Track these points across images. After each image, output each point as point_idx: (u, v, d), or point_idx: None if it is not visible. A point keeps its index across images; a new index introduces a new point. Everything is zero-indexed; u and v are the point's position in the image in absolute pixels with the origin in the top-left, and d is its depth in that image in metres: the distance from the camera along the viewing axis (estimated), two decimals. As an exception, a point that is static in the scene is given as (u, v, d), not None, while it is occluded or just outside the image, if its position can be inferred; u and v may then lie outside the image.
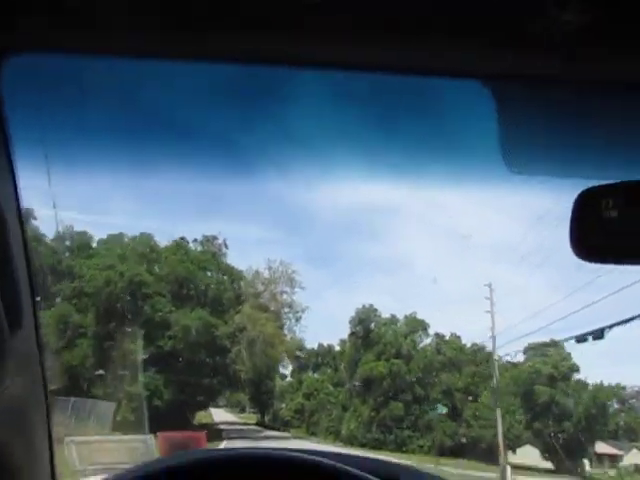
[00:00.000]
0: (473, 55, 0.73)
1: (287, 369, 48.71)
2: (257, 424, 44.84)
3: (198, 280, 28.07)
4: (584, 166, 1.00)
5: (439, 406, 30.56)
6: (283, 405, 47.37)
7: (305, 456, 0.93)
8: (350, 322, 36.51)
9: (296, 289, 34.28)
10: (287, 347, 36.14)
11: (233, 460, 0.91)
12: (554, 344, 29.46)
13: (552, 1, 0.58)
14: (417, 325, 35.18)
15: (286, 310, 34.73)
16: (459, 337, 35.78)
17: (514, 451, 30.05)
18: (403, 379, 32.42)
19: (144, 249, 27.30)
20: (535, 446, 31.05)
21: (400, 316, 35.80)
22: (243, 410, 61.65)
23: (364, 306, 35.87)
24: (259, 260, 41.14)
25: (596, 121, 0.91)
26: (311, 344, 50.03)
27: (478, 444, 30.00)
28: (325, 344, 49.63)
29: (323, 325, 59.86)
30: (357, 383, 33.67)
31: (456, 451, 30.51)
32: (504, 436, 27.47)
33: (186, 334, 26.20)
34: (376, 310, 35.82)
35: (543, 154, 0.99)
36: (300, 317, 35.10)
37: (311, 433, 42.53)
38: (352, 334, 36.61)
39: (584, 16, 0.59)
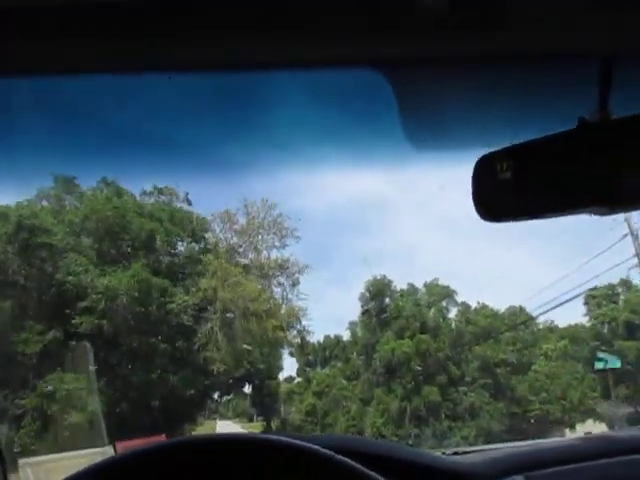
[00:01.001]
0: (362, 42, 0.73)
1: (291, 369, 42.44)
2: (263, 433, 38.10)
3: (138, 231, 18.02)
4: (481, 135, 1.08)
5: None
6: (293, 408, 40.66)
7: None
8: (360, 299, 30.04)
9: (288, 241, 23.41)
10: (282, 319, 25.01)
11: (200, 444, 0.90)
12: (625, 283, 23.01)
13: None
14: (442, 292, 28.75)
15: (277, 273, 23.68)
16: (486, 305, 29.38)
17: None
18: (434, 357, 25.93)
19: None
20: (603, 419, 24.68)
21: (419, 285, 29.37)
22: (251, 419, 55.64)
23: (375, 278, 29.41)
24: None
25: (484, 95, 1.00)
26: (314, 338, 44.07)
27: (542, 424, 23.57)
28: (332, 335, 43.75)
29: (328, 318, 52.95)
30: (378, 370, 27.06)
31: (509, 436, 24.01)
32: (574, 410, 21.12)
33: (113, 304, 16.88)
34: (390, 282, 29.38)
35: (443, 130, 1.06)
36: (297, 280, 24.51)
37: (328, 436, 35.86)
38: (364, 312, 30.08)
39: (440, 2, 0.63)
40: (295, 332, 26.16)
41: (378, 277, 29.18)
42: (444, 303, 28.41)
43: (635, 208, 0.91)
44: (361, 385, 31.26)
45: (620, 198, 0.82)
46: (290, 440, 0.92)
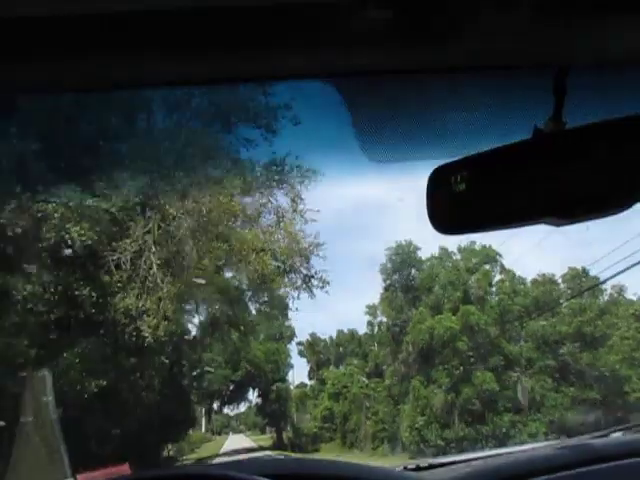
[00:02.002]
0: (314, 55, 0.73)
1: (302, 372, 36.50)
2: (272, 448, 32.01)
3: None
4: (434, 147, 1.06)
5: None
6: (307, 415, 34.36)
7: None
8: (381, 271, 23.91)
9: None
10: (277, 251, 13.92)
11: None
12: None
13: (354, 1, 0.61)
14: (482, 255, 22.62)
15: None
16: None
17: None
18: (485, 334, 19.73)
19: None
20: None
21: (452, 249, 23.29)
22: (263, 431, 49.64)
23: (398, 244, 23.32)
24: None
25: (438, 106, 1.00)
26: (325, 334, 38.06)
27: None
28: (345, 330, 37.90)
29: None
30: (411, 357, 20.85)
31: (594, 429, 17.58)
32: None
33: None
34: (417, 248, 23.28)
35: (396, 141, 1.05)
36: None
37: (350, 445, 29.70)
38: (388, 288, 23.91)
39: (385, 12, 0.62)
40: (300, 278, 15.15)
41: (403, 242, 23.10)
42: (489, 267, 22.24)
43: (590, 218, 0.84)
44: (389, 379, 25.08)
45: (575, 207, 0.79)
46: (224, 473, 1.03)
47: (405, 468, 1.38)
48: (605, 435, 1.56)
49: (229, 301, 18.29)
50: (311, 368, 38.05)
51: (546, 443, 1.67)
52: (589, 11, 0.66)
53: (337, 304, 45.23)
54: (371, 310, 27.56)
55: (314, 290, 15.42)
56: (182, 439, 28.36)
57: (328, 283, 15.25)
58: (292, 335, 32.34)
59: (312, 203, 13.23)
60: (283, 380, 29.30)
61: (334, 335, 39.92)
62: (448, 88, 0.93)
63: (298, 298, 15.90)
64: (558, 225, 0.86)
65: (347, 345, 38.58)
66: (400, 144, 1.08)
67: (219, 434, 53.58)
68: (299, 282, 15.55)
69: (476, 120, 1.03)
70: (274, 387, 28.18)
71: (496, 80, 0.89)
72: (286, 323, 32.40)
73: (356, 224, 36.97)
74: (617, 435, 1.54)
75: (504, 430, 19.17)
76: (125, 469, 12.39)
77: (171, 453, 27.67)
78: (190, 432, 35.95)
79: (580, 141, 0.79)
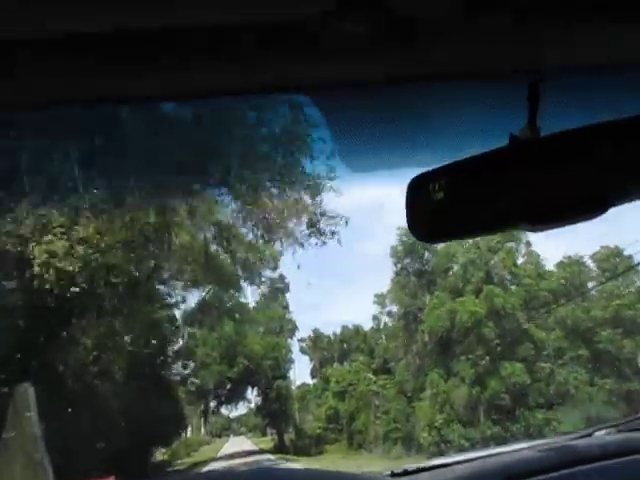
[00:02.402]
0: (288, 68, 0.74)
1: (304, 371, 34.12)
2: (273, 450, 29.48)
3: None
4: (414, 156, 1.09)
5: None
6: (309, 416, 31.92)
7: None
8: (392, 255, 21.41)
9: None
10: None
11: None
12: None
13: (332, 13, 0.62)
14: (504, 234, 20.10)
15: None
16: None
17: None
18: (513, 319, 17.22)
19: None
20: None
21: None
22: (264, 433, 47.12)
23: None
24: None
25: (414, 115, 1.01)
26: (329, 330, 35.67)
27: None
28: (350, 325, 35.61)
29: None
30: (427, 347, 18.32)
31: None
32: None
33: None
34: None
35: (375, 151, 1.09)
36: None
37: (357, 447, 27.32)
38: (399, 272, 21.40)
39: (360, 25, 0.64)
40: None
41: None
42: (512, 246, 19.75)
43: (565, 223, 0.84)
44: (400, 374, 22.59)
45: (551, 213, 0.80)
46: None
47: (392, 473, 1.38)
48: (588, 435, 1.54)
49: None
50: (314, 366, 35.59)
51: (529, 444, 1.55)
52: (559, 18, 0.67)
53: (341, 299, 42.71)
54: (380, 299, 25.09)
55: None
56: (173, 442, 25.98)
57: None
58: (294, 329, 29.85)
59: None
60: (284, 377, 26.78)
61: (338, 331, 37.53)
62: (424, 98, 0.95)
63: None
64: (534, 231, 0.88)
65: (352, 341, 36.31)
66: (379, 154, 1.10)
67: (219, 436, 51.35)
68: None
69: (453, 128, 1.04)
70: (274, 385, 25.65)
71: (471, 88, 0.90)
72: (287, 316, 29.90)
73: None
74: (600, 434, 1.50)
75: (537, 428, 16.63)
76: None
77: (165, 457, 25.58)
78: (187, 434, 33.36)
79: (555, 147, 0.79)
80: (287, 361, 27.44)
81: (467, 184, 0.84)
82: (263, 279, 19.21)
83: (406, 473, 1.35)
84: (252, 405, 31.13)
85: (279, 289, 30.08)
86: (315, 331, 36.10)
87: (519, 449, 1.48)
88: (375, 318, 32.21)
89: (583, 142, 0.78)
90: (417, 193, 0.87)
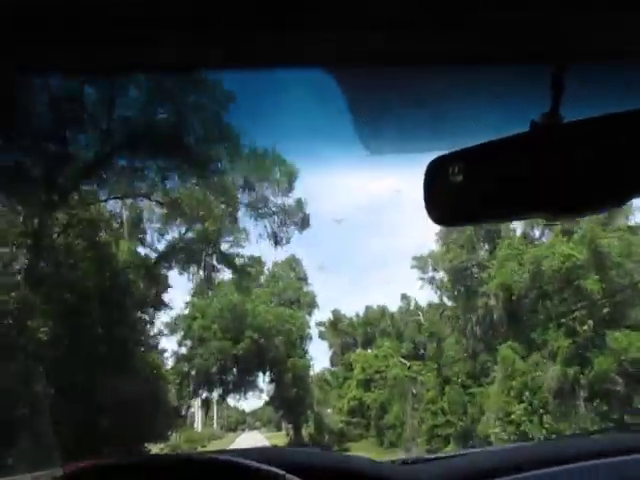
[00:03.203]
0: (315, 44, 0.72)
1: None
2: (290, 446, 24.58)
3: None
4: (431, 139, 1.10)
5: None
6: (328, 410, 27.19)
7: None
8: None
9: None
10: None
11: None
12: None
13: None
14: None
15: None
16: None
17: None
18: (622, 270, 11.97)
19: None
20: None
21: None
22: (279, 427, 42.31)
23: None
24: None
25: (433, 98, 1.00)
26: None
27: None
28: (374, 306, 30.96)
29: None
30: (495, 314, 13.18)
31: None
32: None
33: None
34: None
35: (393, 134, 1.09)
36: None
37: (390, 444, 22.70)
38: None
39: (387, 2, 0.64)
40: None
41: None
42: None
43: (587, 213, 0.86)
44: (445, 356, 17.63)
45: (571, 203, 0.80)
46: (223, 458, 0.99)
47: (404, 462, 1.39)
48: (590, 434, 1.71)
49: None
50: (334, 353, 30.62)
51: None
52: (589, 8, 0.67)
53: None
54: (420, 263, 20.10)
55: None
56: (168, 437, 21.42)
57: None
58: (312, 304, 24.91)
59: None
60: (301, 356, 21.88)
61: (361, 312, 32.74)
62: (446, 80, 0.93)
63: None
64: (554, 221, 0.79)
65: (377, 324, 31.48)
66: (399, 136, 1.08)
67: (234, 430, 45.85)
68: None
69: (474, 112, 1.03)
70: (289, 364, 20.78)
71: (495, 74, 0.90)
72: (305, 288, 25.02)
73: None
74: (598, 436, 1.56)
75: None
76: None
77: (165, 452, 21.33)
78: (197, 427, 29.73)
79: (577, 135, 0.78)
80: (305, 338, 22.53)
81: (486, 168, 0.82)
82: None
83: (416, 462, 1.37)
84: (264, 394, 26.33)
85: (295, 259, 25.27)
86: (335, 312, 31.25)
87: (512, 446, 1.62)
88: (404, 297, 27.00)
89: (605, 130, 0.76)
90: (436, 175, 0.85)
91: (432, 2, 0.63)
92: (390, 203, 35.47)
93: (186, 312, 19.46)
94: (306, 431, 25.04)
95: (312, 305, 25.36)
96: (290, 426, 25.90)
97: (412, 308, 31.01)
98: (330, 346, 30.71)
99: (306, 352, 22.71)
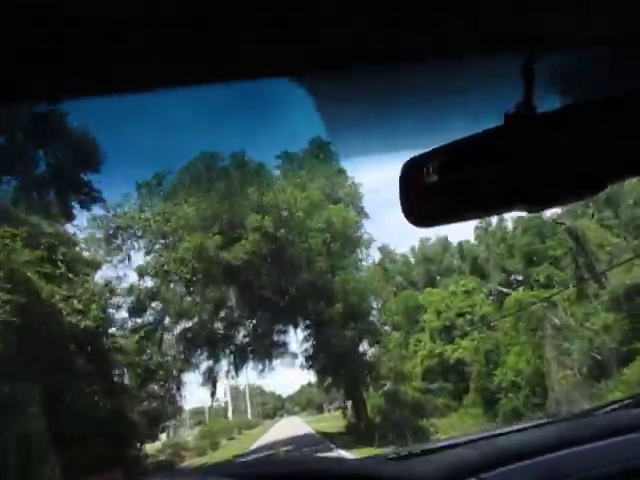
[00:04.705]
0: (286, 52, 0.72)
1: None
2: (347, 433, 15.47)
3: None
4: (406, 139, 1.09)
5: None
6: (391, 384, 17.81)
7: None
8: None
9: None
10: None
11: None
12: None
13: None
14: None
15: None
16: None
17: None
18: None
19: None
20: None
21: None
22: (320, 409, 34.72)
23: None
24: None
25: (405, 97, 1.00)
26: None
27: None
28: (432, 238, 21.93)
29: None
30: None
31: None
32: None
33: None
34: None
35: (367, 135, 1.09)
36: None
37: (511, 414, 13.38)
38: None
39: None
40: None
41: None
42: None
43: (563, 203, 0.84)
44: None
45: (549, 192, 0.79)
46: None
47: (398, 456, 1.34)
48: (595, 411, 1.52)
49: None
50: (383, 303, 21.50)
51: (535, 421, 1.54)
52: None
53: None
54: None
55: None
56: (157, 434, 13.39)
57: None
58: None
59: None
60: (358, 267, 12.80)
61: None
62: (416, 77, 0.91)
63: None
64: (531, 212, 0.86)
65: (439, 260, 23.01)
66: (372, 137, 1.09)
67: (271, 417, 42.23)
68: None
69: (446, 109, 1.03)
70: (335, 279, 11.66)
71: (466, 67, 0.87)
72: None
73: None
74: (601, 413, 1.46)
75: None
76: (116, 477, 11.03)
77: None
78: (228, 416, 27.47)
79: (550, 126, 0.78)
80: (361, 244, 13.33)
81: (462, 166, 0.81)
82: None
83: (410, 455, 1.31)
84: (299, 352, 17.04)
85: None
86: (383, 250, 22.14)
87: (527, 426, 1.45)
88: (478, 227, 21.21)
89: (578, 120, 0.76)
90: (410, 177, 0.85)
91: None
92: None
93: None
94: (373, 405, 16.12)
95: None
96: (348, 404, 16.83)
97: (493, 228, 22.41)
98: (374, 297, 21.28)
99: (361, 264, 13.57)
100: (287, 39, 0.65)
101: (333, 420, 23.58)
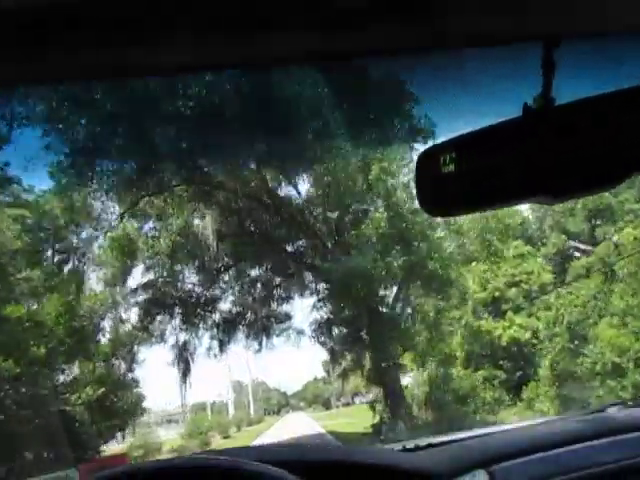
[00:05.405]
0: (297, 39, 0.72)
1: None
2: (373, 433, 11.00)
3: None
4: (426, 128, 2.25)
5: None
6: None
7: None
8: None
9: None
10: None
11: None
12: None
13: None
14: None
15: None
16: None
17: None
18: None
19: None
20: None
21: None
22: (327, 406, 33.17)
23: None
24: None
25: (425, 87, 1.33)
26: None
27: None
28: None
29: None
30: None
31: None
32: None
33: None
34: None
35: (383, 124, 1.79)
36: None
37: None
38: None
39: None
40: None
41: None
42: None
43: (582, 194, 0.86)
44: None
45: (567, 184, 0.79)
46: (225, 459, 0.93)
47: (404, 448, 1.37)
48: (601, 410, 1.53)
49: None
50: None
51: (545, 419, 1.56)
52: None
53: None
54: None
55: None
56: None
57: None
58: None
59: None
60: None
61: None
62: (434, 69, 0.93)
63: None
64: (550, 203, 0.86)
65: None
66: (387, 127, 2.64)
67: (277, 413, 39.99)
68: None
69: (465, 100, 1.13)
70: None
71: (485, 58, 0.84)
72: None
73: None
74: (613, 410, 1.49)
75: None
76: (125, 458, 11.05)
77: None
78: (230, 411, 26.80)
79: (569, 117, 0.78)
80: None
81: (478, 157, 0.82)
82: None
83: (418, 448, 1.34)
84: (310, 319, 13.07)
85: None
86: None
87: (525, 426, 1.48)
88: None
89: (598, 111, 0.76)
90: (427, 166, 0.85)
91: None
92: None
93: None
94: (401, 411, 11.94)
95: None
96: (379, 391, 12.57)
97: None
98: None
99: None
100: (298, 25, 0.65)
101: (345, 417, 19.60)
